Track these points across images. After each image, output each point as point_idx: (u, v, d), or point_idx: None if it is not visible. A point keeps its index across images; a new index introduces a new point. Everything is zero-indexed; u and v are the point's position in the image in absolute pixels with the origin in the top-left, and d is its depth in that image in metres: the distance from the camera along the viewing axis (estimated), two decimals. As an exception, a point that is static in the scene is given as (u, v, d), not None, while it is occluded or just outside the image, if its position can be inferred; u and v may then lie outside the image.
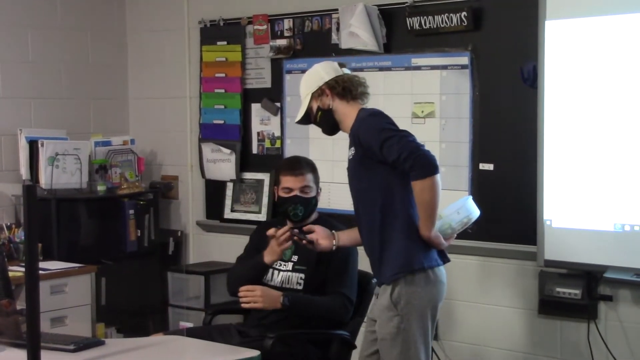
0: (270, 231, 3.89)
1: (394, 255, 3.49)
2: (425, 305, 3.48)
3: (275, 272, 4.02)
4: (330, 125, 3.69)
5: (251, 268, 4.03)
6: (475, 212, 3.64)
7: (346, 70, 3.70)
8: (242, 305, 3.88)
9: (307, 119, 3.72)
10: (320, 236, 3.80)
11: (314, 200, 4.06)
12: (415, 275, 3.46)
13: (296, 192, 4.01)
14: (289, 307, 3.84)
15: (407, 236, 3.49)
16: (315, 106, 3.66)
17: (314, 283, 3.97)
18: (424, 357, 3.48)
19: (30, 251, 2.94)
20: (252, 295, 3.85)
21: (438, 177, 3.38)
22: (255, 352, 3.22)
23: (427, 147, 3.45)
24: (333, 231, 3.83)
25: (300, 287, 3.98)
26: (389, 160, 3.41)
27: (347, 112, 3.62)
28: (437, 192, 3.39)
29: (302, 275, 3.98)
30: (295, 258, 4.03)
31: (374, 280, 3.74)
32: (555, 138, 4.20)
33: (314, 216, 4.09)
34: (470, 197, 3.72)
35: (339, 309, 3.91)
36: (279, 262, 4.01)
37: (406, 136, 3.42)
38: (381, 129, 3.43)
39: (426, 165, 3.36)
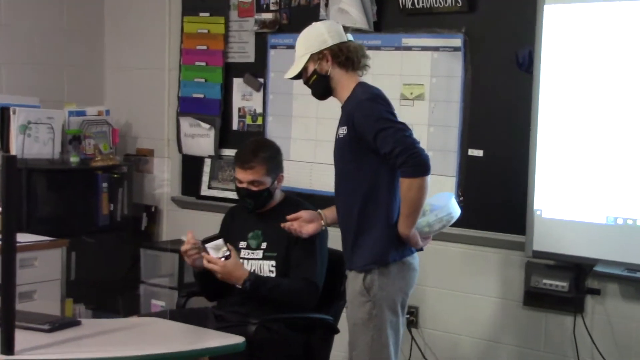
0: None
1: (369, 244, 3.41)
2: (397, 293, 3.42)
3: (245, 261, 3.83)
4: (322, 90, 3.55)
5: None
6: (456, 211, 3.52)
7: (349, 37, 3.54)
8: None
9: (298, 76, 3.57)
10: (306, 220, 3.67)
11: (265, 192, 3.85)
12: (388, 266, 3.40)
13: (245, 185, 3.84)
14: (250, 290, 3.69)
15: (385, 226, 3.40)
16: (311, 68, 3.50)
17: (286, 270, 3.82)
18: (393, 342, 3.41)
19: (8, 227, 2.80)
20: (213, 270, 3.70)
21: (429, 178, 3.28)
22: (240, 339, 3.09)
23: (415, 130, 3.38)
24: (319, 210, 3.69)
25: (272, 275, 3.82)
26: (381, 152, 3.29)
27: (344, 82, 3.47)
28: (425, 193, 3.30)
29: (273, 262, 3.82)
30: (264, 245, 3.86)
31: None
32: (549, 126, 4.10)
33: (278, 198, 3.94)
34: (453, 196, 3.60)
35: (304, 295, 3.75)
36: (248, 250, 3.86)
37: (403, 129, 3.29)
38: (379, 117, 3.30)
39: (419, 165, 3.26)
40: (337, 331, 3.85)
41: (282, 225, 3.69)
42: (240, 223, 3.96)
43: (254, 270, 3.79)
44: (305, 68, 3.51)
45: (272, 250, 3.81)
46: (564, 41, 4.05)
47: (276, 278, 3.78)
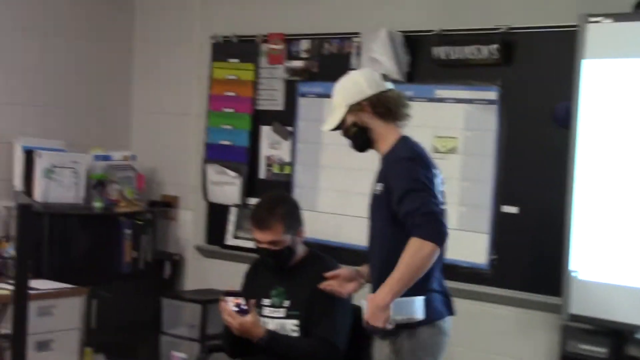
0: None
1: None
2: (427, 358, 3.26)
3: (269, 319, 3.66)
4: (362, 143, 3.40)
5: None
6: (419, 315, 3.23)
7: (389, 85, 3.40)
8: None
9: (336, 128, 3.42)
10: (345, 279, 3.52)
11: (286, 251, 3.68)
12: (418, 329, 3.23)
13: (264, 245, 3.68)
14: (266, 348, 3.54)
15: (415, 288, 3.19)
16: (350, 120, 3.35)
17: (310, 329, 3.66)
18: None
19: (20, 279, 2.68)
20: (230, 324, 3.56)
21: (437, 251, 3.09)
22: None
23: (447, 184, 3.31)
24: (356, 268, 3.53)
25: (295, 334, 3.64)
26: (402, 210, 3.13)
27: (384, 134, 3.33)
28: (429, 263, 3.10)
29: (296, 322, 3.64)
30: (287, 303, 3.68)
31: None
32: (588, 184, 3.93)
33: (301, 254, 3.76)
34: (423, 299, 3.27)
35: (321, 356, 3.58)
36: (271, 308, 3.69)
37: (434, 198, 3.16)
38: (416, 178, 3.15)
39: (438, 231, 3.09)
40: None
41: (320, 285, 3.50)
42: (263, 278, 3.80)
43: (276, 329, 3.64)
44: (343, 120, 3.37)
45: (296, 308, 3.64)
46: (603, 97, 3.90)
47: (295, 338, 3.62)
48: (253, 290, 3.74)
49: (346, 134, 3.41)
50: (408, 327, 3.22)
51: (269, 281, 3.76)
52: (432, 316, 3.26)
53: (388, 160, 3.30)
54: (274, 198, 3.85)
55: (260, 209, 3.72)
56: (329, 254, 4.41)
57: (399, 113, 3.36)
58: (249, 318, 3.49)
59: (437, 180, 3.29)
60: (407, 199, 3.14)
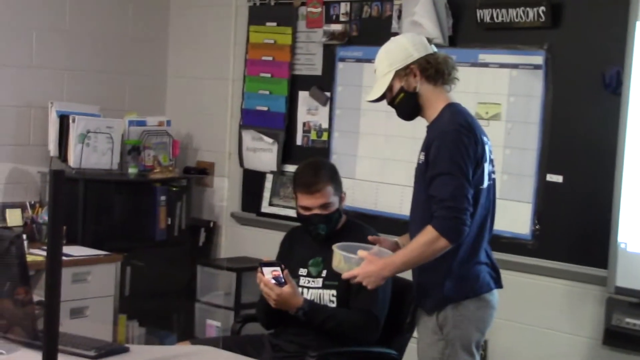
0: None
1: (443, 280, 3.14)
2: (473, 331, 3.16)
3: (305, 289, 3.57)
4: (411, 109, 3.25)
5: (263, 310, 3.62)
6: None
7: (434, 48, 3.25)
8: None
9: (381, 97, 3.26)
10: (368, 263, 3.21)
11: (337, 214, 3.59)
12: (464, 303, 3.14)
13: (316, 211, 3.56)
14: (305, 319, 3.45)
15: (462, 260, 3.13)
16: (397, 86, 3.20)
17: (347, 300, 3.55)
18: None
19: (54, 246, 2.60)
20: (268, 295, 3.45)
21: (447, 246, 3.01)
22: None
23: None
24: (396, 239, 3.39)
25: (333, 305, 3.55)
26: (431, 191, 3.06)
27: (433, 100, 3.19)
28: (434, 255, 3.03)
29: (334, 292, 3.54)
30: (325, 273, 3.58)
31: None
32: (638, 151, 3.78)
33: (340, 222, 3.67)
34: None
35: (362, 327, 3.49)
36: (308, 278, 3.59)
37: (466, 188, 3.02)
38: (452, 159, 3.02)
39: (457, 231, 3.00)
40: (403, 364, 3.60)
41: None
42: (300, 248, 3.71)
43: (313, 300, 3.55)
44: (390, 87, 3.22)
45: (333, 279, 3.53)
46: (657, 61, 3.74)
47: (333, 308, 3.53)
48: (289, 259, 3.65)
49: (393, 102, 3.26)
50: (454, 300, 3.12)
51: (306, 250, 3.66)
52: (479, 289, 3.16)
53: (433, 129, 3.18)
54: (316, 162, 3.78)
55: (306, 172, 3.62)
56: (367, 223, 4.32)
57: (449, 75, 3.23)
58: (287, 289, 3.39)
59: (486, 149, 3.17)
60: (439, 181, 3.04)
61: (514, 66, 4.30)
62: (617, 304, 3.94)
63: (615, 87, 3.94)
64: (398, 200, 4.71)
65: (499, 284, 3.25)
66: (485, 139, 3.18)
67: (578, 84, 4.11)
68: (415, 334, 3.36)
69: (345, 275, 3.17)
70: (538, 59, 4.21)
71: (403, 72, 3.19)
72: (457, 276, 3.14)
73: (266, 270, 3.42)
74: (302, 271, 3.62)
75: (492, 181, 3.23)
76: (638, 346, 3.91)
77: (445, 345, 3.13)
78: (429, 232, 3.03)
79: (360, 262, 3.14)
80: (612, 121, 3.91)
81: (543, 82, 4.19)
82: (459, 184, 3.02)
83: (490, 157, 3.21)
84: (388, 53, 3.25)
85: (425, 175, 3.13)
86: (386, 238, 3.42)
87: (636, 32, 3.76)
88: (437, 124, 3.17)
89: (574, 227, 4.12)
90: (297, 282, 3.52)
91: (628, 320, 3.90)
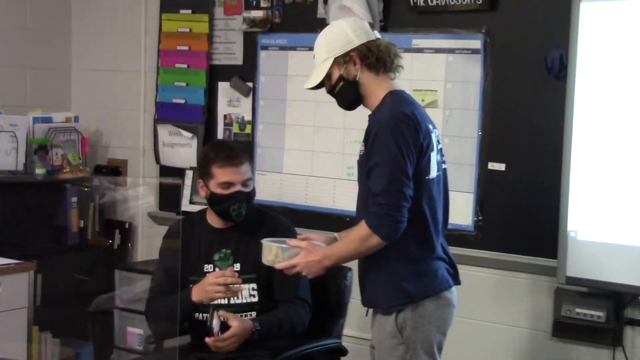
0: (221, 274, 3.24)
1: (396, 279, 2.96)
2: (434, 333, 2.99)
3: None
4: (351, 99, 3.05)
5: (177, 308, 3.25)
6: None
7: (377, 34, 3.05)
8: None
9: (319, 85, 3.07)
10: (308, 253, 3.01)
11: (254, 194, 3.40)
12: (423, 303, 2.96)
13: (238, 187, 3.32)
14: (261, 338, 3.23)
15: (415, 256, 2.96)
16: (336, 74, 3.00)
17: (269, 291, 3.35)
18: None
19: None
20: (226, 347, 3.18)
21: (382, 243, 2.86)
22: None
23: None
24: (335, 234, 3.14)
25: (255, 299, 3.33)
26: (369, 185, 2.90)
27: (374, 89, 2.99)
28: (369, 251, 2.91)
29: (254, 285, 3.32)
30: (238, 266, 3.33)
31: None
32: (585, 137, 3.66)
33: None
34: None
35: (302, 319, 3.35)
36: None
37: (402, 182, 2.84)
38: (387, 149, 2.84)
39: (391, 229, 2.84)
40: (346, 352, 3.50)
41: (290, 242, 3.02)
42: (197, 242, 3.41)
43: (230, 299, 3.29)
44: (328, 75, 3.01)
45: (249, 271, 3.31)
46: (602, 43, 3.62)
47: (277, 313, 3.31)
48: (185, 255, 3.33)
49: (332, 90, 3.06)
50: (413, 299, 2.93)
51: (207, 243, 3.39)
52: (438, 287, 2.99)
53: (373, 119, 2.98)
54: (223, 140, 3.55)
55: (223, 147, 3.43)
56: (298, 219, 4.12)
57: (392, 63, 3.03)
58: (235, 325, 3.14)
59: (433, 138, 2.99)
60: (374, 173, 2.87)
61: (451, 51, 4.13)
62: (566, 294, 3.84)
63: (558, 71, 3.82)
64: (330, 195, 4.50)
65: (457, 280, 3.10)
66: (430, 127, 3.01)
67: (519, 68, 3.97)
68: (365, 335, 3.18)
69: (282, 265, 2.95)
70: (476, 43, 4.04)
71: (342, 60, 2.99)
72: (414, 274, 2.96)
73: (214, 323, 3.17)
74: (207, 267, 3.35)
75: (442, 172, 3.07)
76: (588, 336, 3.80)
77: (406, 350, 2.95)
78: (362, 228, 2.88)
79: (297, 254, 2.95)
80: (556, 106, 3.80)
81: (482, 67, 4.04)
82: (393, 177, 2.84)
83: (438, 146, 3.03)
84: (327, 38, 3.04)
85: (365, 168, 2.94)
86: (317, 236, 3.18)
87: (580, 12, 3.64)
88: (377, 112, 2.98)
89: (518, 217, 3.98)
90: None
91: (578, 310, 3.80)
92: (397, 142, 2.84)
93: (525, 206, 3.96)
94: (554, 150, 3.79)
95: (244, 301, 3.34)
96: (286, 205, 4.58)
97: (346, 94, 3.03)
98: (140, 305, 4.79)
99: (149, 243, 5.21)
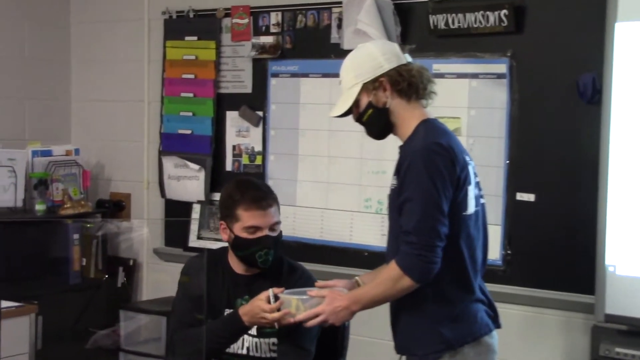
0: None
1: (430, 323, 2.72)
2: None
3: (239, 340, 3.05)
4: (381, 127, 2.82)
5: (223, 332, 2.97)
6: None
7: (408, 58, 2.83)
8: None
9: (346, 112, 2.84)
10: (332, 300, 2.77)
11: (281, 238, 3.10)
12: (462, 350, 2.72)
13: (266, 232, 3.02)
14: None
15: (450, 299, 2.72)
16: (364, 101, 2.77)
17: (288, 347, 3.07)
18: None
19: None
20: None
21: (413, 285, 2.63)
22: None
23: None
24: (356, 278, 2.91)
25: (274, 355, 3.05)
26: (401, 221, 2.66)
27: (406, 116, 2.76)
28: (400, 293, 2.68)
29: (274, 340, 3.03)
30: None
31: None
32: (622, 165, 3.45)
33: None
34: None
35: None
36: None
37: (437, 220, 2.61)
38: (420, 183, 2.61)
39: (424, 271, 2.61)
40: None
41: (310, 293, 2.81)
42: (219, 285, 3.12)
43: (249, 350, 3.04)
44: (356, 102, 2.79)
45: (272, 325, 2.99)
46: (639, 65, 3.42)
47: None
48: (208, 297, 3.04)
49: (360, 118, 2.83)
50: (451, 346, 2.70)
51: (229, 288, 3.11)
52: (477, 332, 2.74)
53: (405, 150, 2.75)
54: (249, 179, 3.29)
55: (249, 187, 3.07)
56: (312, 254, 3.90)
57: (424, 89, 2.81)
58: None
59: (470, 170, 2.76)
60: (406, 208, 2.64)
61: (474, 76, 3.92)
62: (604, 333, 3.59)
63: (591, 96, 3.61)
64: (347, 228, 4.28)
65: (497, 324, 2.86)
66: (467, 158, 2.77)
67: (547, 93, 3.76)
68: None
69: (303, 316, 2.72)
70: (501, 67, 3.85)
71: (371, 86, 2.76)
72: (452, 318, 2.72)
73: None
74: (228, 312, 3.05)
75: (481, 207, 2.83)
76: (630, 377, 3.57)
77: None
78: (392, 269, 2.65)
79: (319, 304, 2.72)
80: (588, 133, 3.60)
81: (508, 93, 3.84)
82: (426, 213, 2.61)
83: (475, 179, 2.80)
84: (354, 63, 2.81)
85: (396, 203, 2.72)
86: (337, 281, 2.94)
87: (615, 35, 3.43)
88: (409, 142, 2.75)
89: (549, 250, 3.76)
90: None
91: (618, 350, 3.55)
92: (430, 175, 2.61)
93: (557, 239, 3.74)
94: (587, 179, 3.59)
95: (263, 355, 3.09)
96: (300, 240, 4.36)
97: (375, 122, 2.81)
98: (146, 347, 4.59)
99: (154, 281, 4.98)
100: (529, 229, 3.81)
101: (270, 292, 2.85)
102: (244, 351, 3.07)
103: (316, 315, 2.72)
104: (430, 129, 2.75)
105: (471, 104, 3.94)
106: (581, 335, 3.70)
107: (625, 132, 3.44)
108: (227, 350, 3.05)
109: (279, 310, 2.82)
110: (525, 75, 3.80)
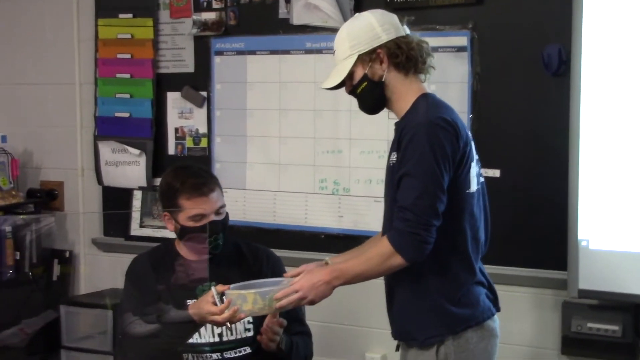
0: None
1: (432, 307, 2.62)
2: None
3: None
4: (375, 102, 2.70)
5: (176, 332, 2.88)
6: None
7: (407, 29, 2.70)
8: None
9: (339, 84, 2.70)
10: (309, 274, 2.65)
11: (227, 220, 3.03)
12: (465, 334, 2.62)
13: (212, 217, 2.94)
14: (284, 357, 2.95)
15: (452, 281, 2.63)
16: (359, 73, 2.64)
17: (262, 323, 2.95)
18: None
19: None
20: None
21: (404, 264, 2.51)
22: None
23: None
24: (327, 260, 2.78)
25: (250, 334, 2.98)
26: (397, 196, 2.54)
27: (403, 91, 2.65)
28: (389, 271, 2.57)
29: (249, 318, 2.92)
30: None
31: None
32: (593, 137, 3.39)
33: None
34: None
35: (311, 351, 3.12)
36: None
37: (435, 196, 2.49)
38: (421, 158, 2.49)
39: (412, 247, 2.49)
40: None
41: (287, 276, 2.71)
42: (172, 275, 3.03)
43: (220, 335, 2.96)
44: (350, 73, 2.65)
45: None
46: (608, 36, 3.35)
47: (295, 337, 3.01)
48: (165, 292, 2.95)
49: (354, 91, 2.69)
50: (453, 330, 2.59)
51: (186, 276, 3.04)
52: (480, 315, 2.65)
53: (403, 124, 2.62)
54: (187, 164, 3.34)
55: (189, 175, 2.99)
56: (266, 239, 3.78)
57: (424, 63, 2.70)
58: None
59: (470, 148, 2.65)
60: (404, 183, 2.53)
61: (433, 49, 3.66)
62: (576, 308, 3.56)
63: (557, 68, 3.53)
64: (301, 211, 4.13)
65: (497, 307, 2.78)
66: (466, 135, 2.66)
67: (510, 66, 3.67)
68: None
69: (283, 293, 2.57)
70: (462, 40, 3.73)
71: (367, 57, 2.64)
72: (455, 300, 2.63)
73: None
74: (190, 302, 2.90)
75: (481, 185, 2.73)
76: (602, 352, 3.53)
77: None
78: (384, 245, 2.52)
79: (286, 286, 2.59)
80: (555, 105, 3.53)
81: (469, 66, 3.73)
82: (425, 190, 2.49)
83: (476, 156, 2.70)
84: (350, 33, 2.67)
85: (395, 177, 2.58)
86: (305, 266, 2.76)
87: (584, 4, 3.36)
88: (408, 117, 2.63)
89: (517, 227, 3.68)
90: None
91: (590, 324, 3.52)
92: (434, 150, 2.49)
93: (525, 215, 3.67)
94: (555, 153, 3.53)
95: (239, 337, 2.96)
96: (252, 225, 4.19)
97: (370, 96, 2.67)
98: (91, 343, 4.35)
99: (93, 272, 4.73)
100: (496, 205, 3.69)
101: (213, 290, 2.71)
102: (216, 338, 2.97)
103: (294, 292, 2.56)
104: (432, 103, 2.64)
105: (431, 78, 3.81)
106: (552, 312, 3.64)
107: (595, 104, 3.37)
108: (194, 341, 2.92)
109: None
110: (487, 48, 3.70)
